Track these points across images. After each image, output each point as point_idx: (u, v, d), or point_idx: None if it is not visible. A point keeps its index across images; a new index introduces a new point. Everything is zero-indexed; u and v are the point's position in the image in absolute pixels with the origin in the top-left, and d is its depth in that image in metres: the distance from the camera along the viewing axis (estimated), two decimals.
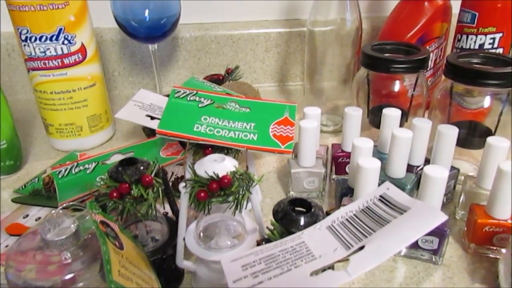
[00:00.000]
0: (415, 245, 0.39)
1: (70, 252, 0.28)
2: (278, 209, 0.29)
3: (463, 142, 0.49)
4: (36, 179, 0.51)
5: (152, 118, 0.52)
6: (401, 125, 0.52)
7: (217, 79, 0.64)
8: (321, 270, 0.22)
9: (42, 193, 0.48)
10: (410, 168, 0.45)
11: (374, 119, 0.55)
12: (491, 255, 0.40)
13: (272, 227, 0.28)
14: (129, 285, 0.25)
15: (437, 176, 0.36)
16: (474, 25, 0.55)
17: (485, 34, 0.55)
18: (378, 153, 0.49)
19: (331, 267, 0.23)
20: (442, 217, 0.22)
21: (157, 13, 0.60)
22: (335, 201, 0.47)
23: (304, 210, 0.28)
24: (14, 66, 0.76)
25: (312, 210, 0.28)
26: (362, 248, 0.22)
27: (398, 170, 0.43)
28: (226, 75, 0.65)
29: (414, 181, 0.43)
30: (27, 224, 0.44)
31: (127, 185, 0.32)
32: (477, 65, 0.48)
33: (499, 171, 0.37)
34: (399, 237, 0.22)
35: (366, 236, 0.23)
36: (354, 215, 0.25)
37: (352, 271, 0.21)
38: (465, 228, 0.42)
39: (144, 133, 0.61)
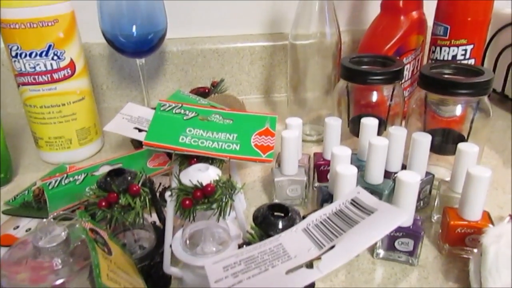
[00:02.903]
0: (392, 247, 0.41)
1: (61, 258, 0.29)
2: (258, 214, 0.30)
3: (438, 148, 0.51)
4: (26, 191, 0.52)
5: (140, 130, 0.53)
6: (380, 133, 0.55)
7: (203, 92, 0.66)
8: (296, 268, 0.24)
9: (32, 205, 0.49)
10: (387, 174, 0.47)
11: (354, 128, 0.57)
12: (464, 255, 0.42)
13: (252, 231, 0.30)
14: None
15: (410, 181, 0.38)
16: (447, 38, 0.58)
17: (457, 46, 0.58)
18: (358, 161, 0.51)
19: (309, 265, 0.25)
20: (403, 216, 0.24)
21: (144, 28, 0.62)
22: (317, 207, 0.49)
23: (282, 214, 0.30)
24: (3, 81, 0.77)
25: (290, 214, 0.30)
26: (333, 247, 0.24)
27: (376, 176, 0.45)
28: (212, 87, 0.67)
29: (391, 186, 0.46)
30: (18, 235, 0.45)
31: (115, 194, 0.34)
32: (449, 76, 0.51)
33: (468, 175, 0.39)
34: (366, 236, 0.24)
35: (337, 236, 0.25)
36: (328, 217, 0.27)
37: (323, 268, 0.23)
38: (440, 230, 0.44)
39: (132, 145, 0.62)
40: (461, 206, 0.41)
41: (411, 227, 0.40)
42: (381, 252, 0.42)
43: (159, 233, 0.39)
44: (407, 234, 0.40)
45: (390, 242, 0.41)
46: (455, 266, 0.41)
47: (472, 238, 0.41)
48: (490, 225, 0.40)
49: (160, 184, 0.50)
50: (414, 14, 0.64)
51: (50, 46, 0.53)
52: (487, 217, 0.41)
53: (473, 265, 0.37)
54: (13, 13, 0.51)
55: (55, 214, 0.37)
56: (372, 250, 0.43)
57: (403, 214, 0.25)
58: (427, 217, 0.48)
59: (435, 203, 0.47)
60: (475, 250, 0.41)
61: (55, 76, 0.55)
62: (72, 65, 0.56)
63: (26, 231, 0.45)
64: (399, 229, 0.40)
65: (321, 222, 0.27)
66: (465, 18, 0.57)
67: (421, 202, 0.49)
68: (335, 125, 0.50)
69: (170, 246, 0.36)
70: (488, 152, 0.61)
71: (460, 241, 0.41)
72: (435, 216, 0.47)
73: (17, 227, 0.46)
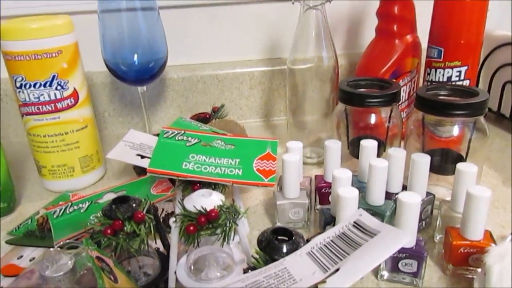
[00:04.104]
0: (396, 269, 0.41)
1: (67, 287, 0.29)
2: (262, 238, 0.31)
3: (438, 168, 0.52)
4: (29, 220, 0.52)
5: (142, 157, 0.54)
6: (379, 155, 0.55)
7: (204, 118, 0.67)
8: None
9: (35, 234, 0.49)
10: (388, 195, 0.47)
11: (354, 150, 0.58)
12: (468, 275, 0.42)
13: (257, 256, 0.30)
14: None
15: (411, 202, 0.39)
16: (441, 60, 0.60)
17: (452, 67, 0.59)
18: (359, 182, 0.52)
19: None
20: (406, 238, 0.25)
21: (145, 57, 0.63)
22: (320, 230, 0.49)
23: (286, 238, 0.31)
24: (6, 110, 0.78)
25: (294, 238, 0.30)
26: (337, 270, 0.24)
27: (377, 197, 0.46)
28: (213, 113, 0.68)
29: (392, 207, 0.46)
30: (22, 264, 0.45)
31: (120, 222, 0.34)
32: (444, 97, 0.52)
33: (468, 195, 0.40)
34: (370, 258, 0.24)
35: (341, 259, 0.25)
36: (331, 240, 0.28)
37: None
38: (443, 250, 0.44)
39: (134, 171, 0.63)
40: (463, 226, 0.41)
41: (414, 248, 0.40)
42: (385, 274, 0.42)
43: (163, 259, 0.39)
44: (410, 255, 0.40)
45: (393, 263, 0.41)
46: (460, 286, 0.41)
47: (475, 258, 0.41)
48: (493, 244, 0.40)
49: (163, 210, 0.50)
50: (409, 37, 0.66)
51: (54, 76, 0.54)
52: (489, 236, 0.41)
53: (477, 285, 0.37)
54: (18, 46, 0.52)
55: (61, 242, 0.37)
56: (376, 271, 0.43)
57: (405, 236, 0.25)
58: (430, 238, 0.48)
59: (437, 223, 0.47)
60: (479, 270, 0.41)
61: (59, 105, 0.56)
62: (75, 94, 0.57)
63: (30, 260, 0.45)
64: (402, 250, 0.40)
65: (325, 245, 0.28)
66: (458, 41, 0.58)
67: (423, 222, 0.49)
68: (335, 147, 0.51)
69: (175, 272, 0.37)
70: (487, 171, 0.61)
71: (463, 261, 0.41)
72: (438, 236, 0.47)
73: (21, 256, 0.46)
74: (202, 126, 0.56)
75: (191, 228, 0.33)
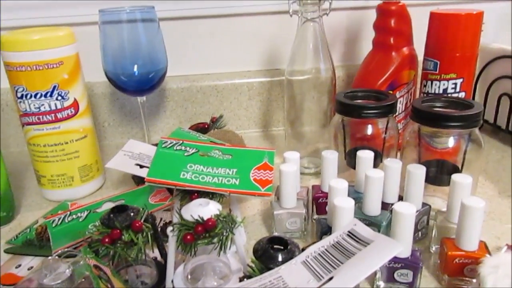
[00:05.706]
0: (391, 279, 0.41)
1: None
2: (258, 247, 0.31)
3: (434, 179, 0.52)
4: (28, 229, 0.52)
5: (141, 166, 0.55)
6: (376, 166, 0.56)
7: (202, 128, 0.67)
8: None
9: (34, 243, 0.49)
10: (385, 205, 0.48)
11: (351, 160, 0.58)
12: (464, 286, 0.42)
13: (252, 264, 0.30)
14: None
15: (406, 212, 0.39)
16: (437, 72, 0.61)
17: (447, 80, 0.60)
18: (355, 193, 0.52)
19: None
20: (399, 248, 0.25)
21: (145, 68, 0.64)
22: (317, 240, 0.49)
23: (282, 247, 0.31)
24: (7, 121, 0.79)
25: (289, 247, 0.30)
26: (331, 278, 0.25)
27: (373, 208, 0.46)
28: (211, 123, 0.69)
29: (388, 217, 0.46)
30: (20, 273, 0.45)
31: (118, 231, 0.35)
32: (440, 109, 0.52)
33: (463, 206, 0.40)
34: (363, 267, 0.25)
35: (335, 268, 0.25)
36: (326, 249, 0.28)
37: None
38: (439, 261, 0.44)
39: (133, 181, 0.63)
40: (458, 237, 0.42)
41: (409, 258, 0.40)
42: (381, 284, 0.42)
43: (161, 268, 0.40)
44: (406, 265, 0.40)
45: (389, 273, 0.41)
46: None
47: (471, 269, 0.41)
48: (487, 255, 0.40)
49: (161, 219, 0.50)
50: (405, 50, 0.67)
51: (55, 87, 0.55)
52: (484, 247, 0.42)
53: None
54: (20, 57, 0.53)
55: (60, 251, 0.37)
56: (372, 281, 0.43)
57: (398, 245, 0.26)
58: (426, 248, 0.48)
59: (433, 234, 0.47)
60: (474, 281, 0.41)
61: (59, 115, 0.57)
62: (75, 104, 0.58)
63: (28, 269, 0.45)
64: (398, 260, 0.40)
65: (319, 254, 0.28)
66: (453, 54, 0.59)
67: (419, 233, 0.49)
68: (331, 158, 0.52)
69: (172, 281, 0.37)
70: (483, 183, 0.62)
71: (459, 272, 0.42)
72: (434, 246, 0.48)
73: (19, 265, 0.46)
74: (201, 136, 0.57)
75: (188, 237, 0.33)
